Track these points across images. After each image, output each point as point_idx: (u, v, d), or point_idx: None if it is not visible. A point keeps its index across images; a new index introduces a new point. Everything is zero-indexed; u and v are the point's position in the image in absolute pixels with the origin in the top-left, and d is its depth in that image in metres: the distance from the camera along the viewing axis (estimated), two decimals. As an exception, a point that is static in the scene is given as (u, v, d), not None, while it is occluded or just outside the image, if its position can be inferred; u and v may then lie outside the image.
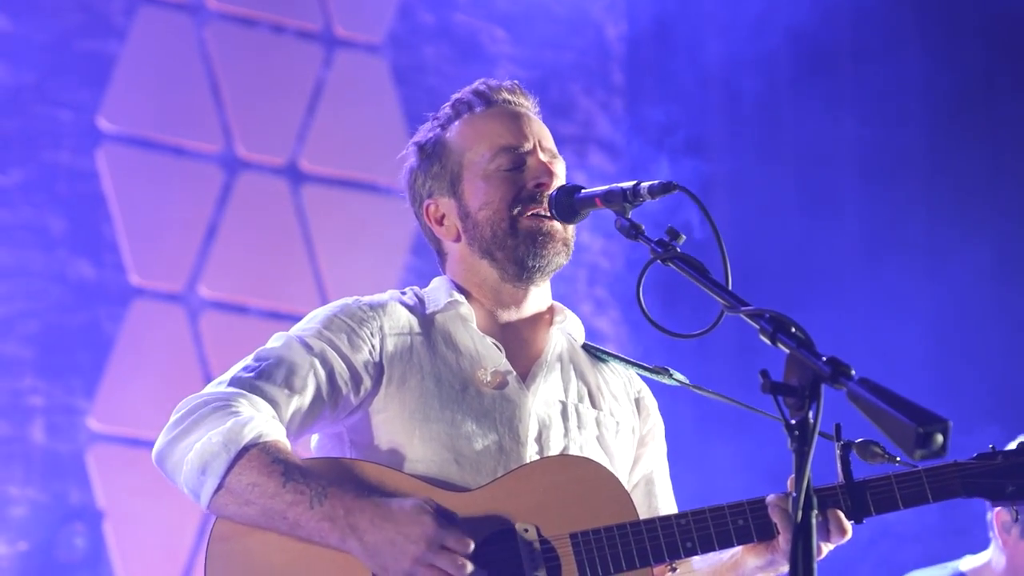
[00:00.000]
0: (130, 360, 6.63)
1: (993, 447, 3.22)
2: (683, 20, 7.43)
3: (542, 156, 3.38)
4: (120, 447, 6.55)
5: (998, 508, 5.13)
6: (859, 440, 3.21)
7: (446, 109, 3.47)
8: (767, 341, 2.58)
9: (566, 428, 3.36)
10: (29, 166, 6.59)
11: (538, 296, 3.45)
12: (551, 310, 3.48)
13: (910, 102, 7.35)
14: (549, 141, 3.43)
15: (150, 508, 6.46)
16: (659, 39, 7.47)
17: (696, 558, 3.34)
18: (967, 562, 5.33)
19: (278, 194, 7.01)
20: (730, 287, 2.82)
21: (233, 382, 3.20)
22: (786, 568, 3.22)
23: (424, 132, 3.48)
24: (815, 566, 2.43)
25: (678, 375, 3.46)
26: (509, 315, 3.42)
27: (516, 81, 3.49)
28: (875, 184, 7.29)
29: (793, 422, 2.44)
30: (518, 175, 3.36)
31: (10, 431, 6.41)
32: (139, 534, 6.50)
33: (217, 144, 6.92)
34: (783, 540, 3.16)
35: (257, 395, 3.17)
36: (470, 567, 3.04)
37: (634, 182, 3.10)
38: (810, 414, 2.43)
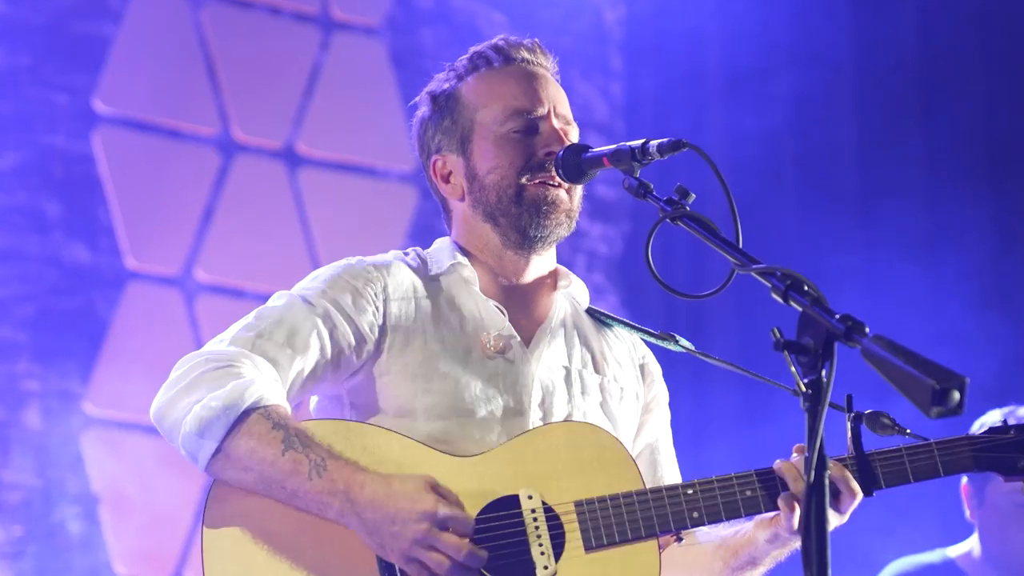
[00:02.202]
0: (126, 344, 6.59)
1: (1004, 422, 3.21)
2: (682, 4, 7.41)
3: (556, 122, 3.33)
4: (115, 431, 6.51)
5: (965, 483, 5.16)
6: (868, 411, 3.18)
7: (463, 60, 3.41)
8: (779, 299, 2.54)
9: (570, 394, 3.32)
10: (24, 149, 6.55)
11: (540, 264, 3.40)
12: (555, 274, 3.44)
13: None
14: (564, 107, 3.37)
15: (145, 492, 6.41)
16: (657, 23, 7.44)
17: (712, 535, 3.29)
18: (955, 548, 5.31)
19: (275, 177, 6.98)
20: (741, 245, 2.78)
21: (234, 341, 3.15)
22: (795, 544, 3.18)
23: (439, 82, 3.43)
24: (827, 527, 2.39)
25: (684, 341, 3.43)
26: (512, 279, 3.37)
27: (536, 39, 3.44)
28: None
29: (806, 381, 2.41)
30: (529, 140, 3.31)
31: (5, 415, 6.37)
32: (134, 518, 6.46)
33: (214, 127, 6.88)
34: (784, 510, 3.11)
35: (258, 354, 3.12)
36: (471, 550, 2.98)
37: (643, 140, 3.06)
38: (823, 373, 2.40)
